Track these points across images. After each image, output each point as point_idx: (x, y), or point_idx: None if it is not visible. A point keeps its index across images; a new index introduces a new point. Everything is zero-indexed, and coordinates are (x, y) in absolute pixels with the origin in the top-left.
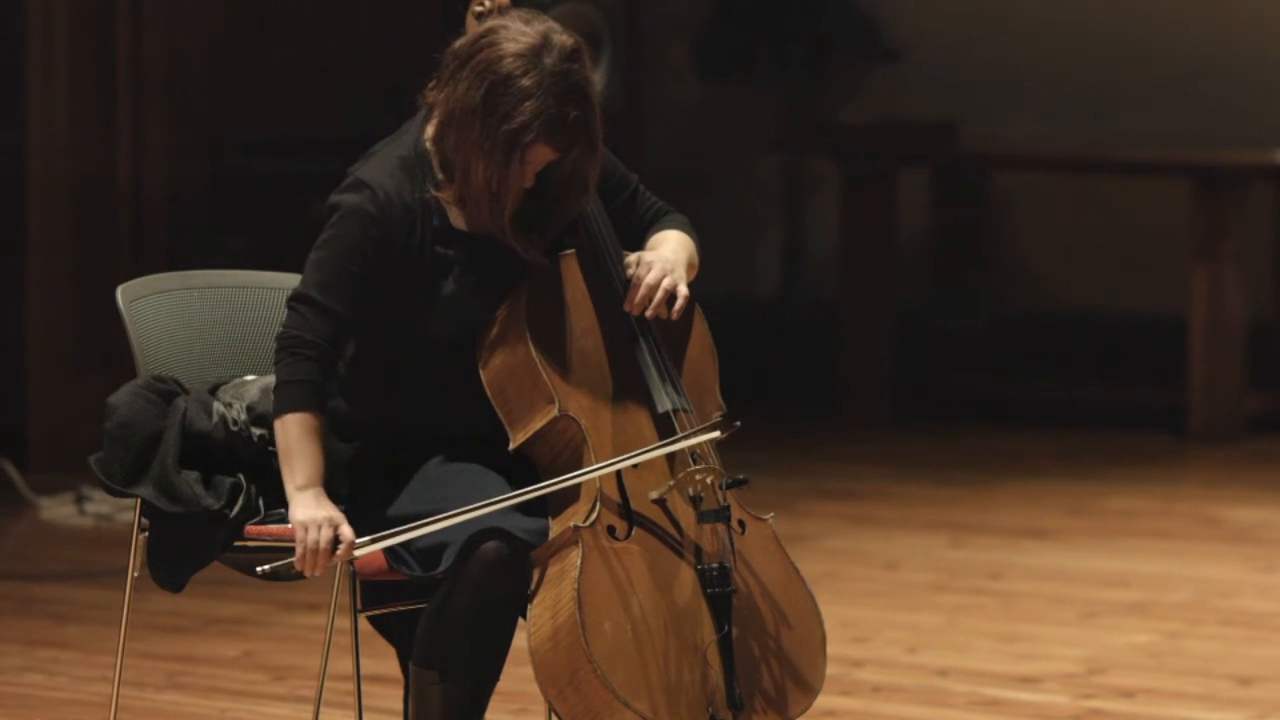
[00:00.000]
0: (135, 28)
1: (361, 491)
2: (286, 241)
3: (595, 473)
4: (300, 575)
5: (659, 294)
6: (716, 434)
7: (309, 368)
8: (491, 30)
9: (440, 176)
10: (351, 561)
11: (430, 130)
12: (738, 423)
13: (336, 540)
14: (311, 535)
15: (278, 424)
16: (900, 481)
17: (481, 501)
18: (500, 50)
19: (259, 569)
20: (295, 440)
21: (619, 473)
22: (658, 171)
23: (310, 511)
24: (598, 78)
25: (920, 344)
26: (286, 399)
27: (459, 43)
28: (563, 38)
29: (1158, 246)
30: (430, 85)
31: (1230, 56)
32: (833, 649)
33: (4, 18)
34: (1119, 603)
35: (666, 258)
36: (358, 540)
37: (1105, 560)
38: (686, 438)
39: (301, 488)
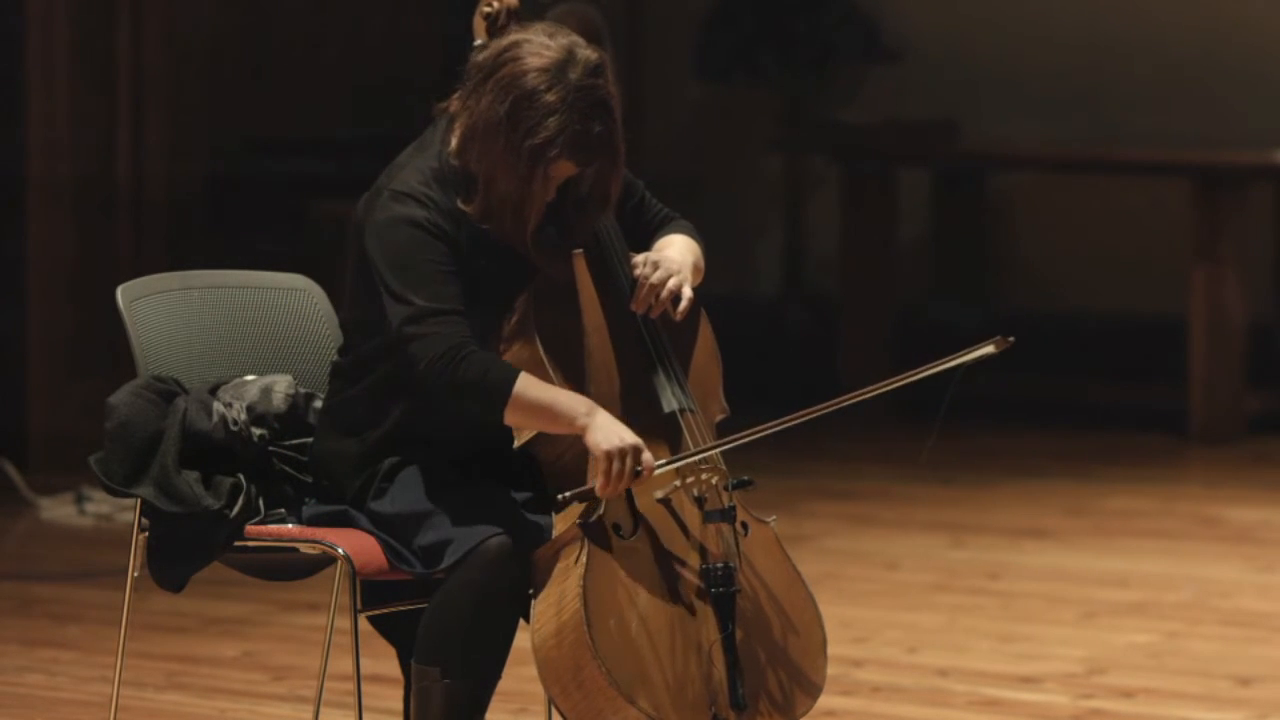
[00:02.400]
0: (135, 28)
1: (369, 488)
2: (286, 241)
3: (770, 431)
4: (598, 499)
5: (664, 293)
6: (990, 349)
7: (483, 353)
8: (515, 44)
9: (468, 191)
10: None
11: (454, 143)
12: (1011, 338)
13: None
14: (618, 465)
15: (512, 405)
16: (900, 481)
17: (503, 503)
18: (524, 65)
19: (560, 496)
20: (541, 393)
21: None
22: (658, 171)
23: (616, 439)
24: None
25: (920, 344)
26: (500, 380)
27: (482, 55)
28: (587, 52)
29: (1158, 246)
30: (453, 95)
31: (1230, 56)
32: (833, 649)
33: (4, 18)
34: (1119, 603)
35: (673, 259)
36: (656, 464)
37: (1105, 560)
38: (960, 356)
39: (589, 414)
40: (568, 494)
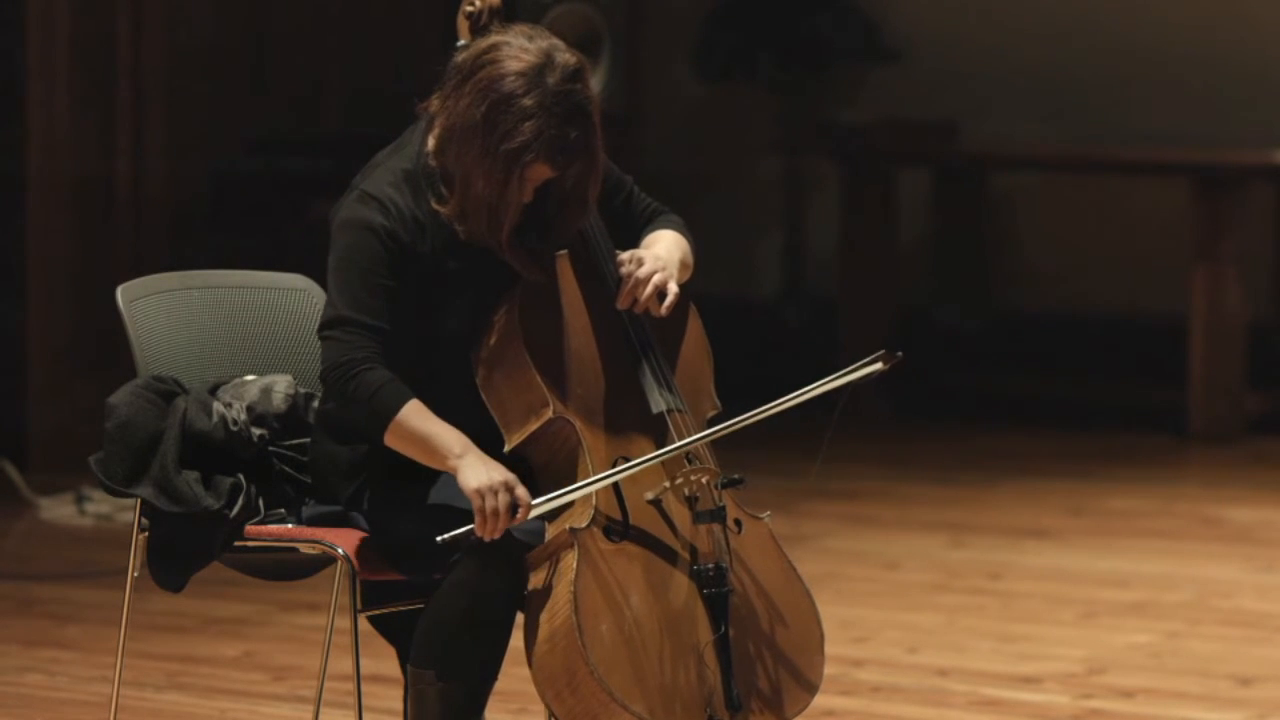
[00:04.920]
0: (135, 28)
1: (362, 494)
2: (286, 241)
3: (669, 454)
4: (481, 540)
5: (648, 288)
6: (879, 366)
7: (379, 373)
8: (494, 46)
9: (444, 191)
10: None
11: (432, 143)
12: (899, 353)
13: (514, 503)
14: (490, 502)
15: (391, 431)
16: (900, 481)
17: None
18: (502, 68)
19: (439, 538)
20: (422, 424)
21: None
22: (658, 171)
23: (484, 477)
24: (598, 78)
25: (920, 344)
26: (385, 403)
27: (461, 56)
28: (566, 56)
29: (1158, 246)
30: (433, 96)
31: (1230, 56)
32: (833, 649)
33: (4, 18)
34: (1119, 603)
35: (659, 255)
36: (534, 501)
37: (1105, 560)
38: (848, 373)
39: (461, 455)
40: (446, 536)
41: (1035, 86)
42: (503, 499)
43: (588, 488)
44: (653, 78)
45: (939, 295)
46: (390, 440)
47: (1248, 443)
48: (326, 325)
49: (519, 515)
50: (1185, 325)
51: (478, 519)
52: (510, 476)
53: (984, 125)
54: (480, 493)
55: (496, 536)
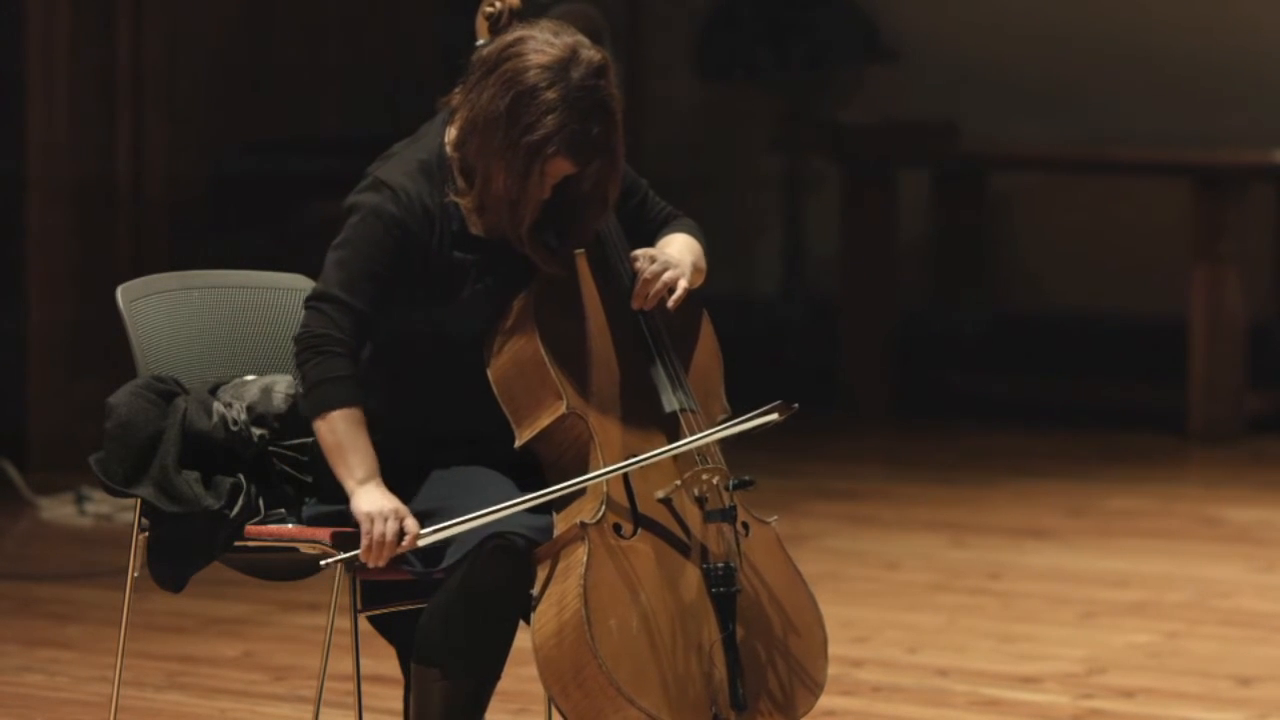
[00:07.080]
0: (135, 28)
1: None
2: (286, 241)
3: (629, 468)
4: (365, 566)
5: (657, 285)
6: (774, 417)
7: (343, 363)
8: (519, 40)
9: (461, 183)
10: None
11: (452, 134)
12: (795, 405)
13: (401, 531)
14: (378, 528)
15: (321, 423)
16: (900, 481)
17: (508, 500)
18: (526, 61)
19: (322, 562)
20: (345, 436)
21: (626, 472)
22: (658, 171)
23: (376, 503)
24: None
25: (920, 344)
26: (328, 397)
27: (486, 49)
28: (591, 52)
29: (1158, 246)
30: (454, 90)
31: (1230, 56)
32: (833, 649)
33: (4, 18)
34: (1119, 603)
35: (671, 255)
36: (422, 530)
37: (1105, 560)
38: (743, 421)
39: (362, 481)
40: (331, 560)
41: (1035, 86)
42: (391, 526)
43: (498, 512)
44: (653, 78)
45: (939, 295)
46: (316, 429)
47: (1248, 443)
48: (315, 297)
49: (405, 543)
50: (1185, 325)
51: (364, 542)
52: (401, 507)
53: (984, 125)
54: (370, 517)
55: (381, 564)
